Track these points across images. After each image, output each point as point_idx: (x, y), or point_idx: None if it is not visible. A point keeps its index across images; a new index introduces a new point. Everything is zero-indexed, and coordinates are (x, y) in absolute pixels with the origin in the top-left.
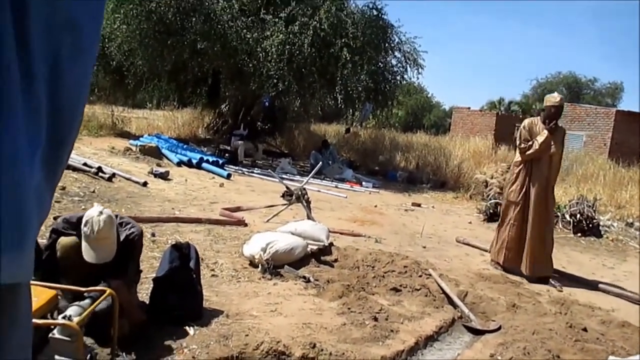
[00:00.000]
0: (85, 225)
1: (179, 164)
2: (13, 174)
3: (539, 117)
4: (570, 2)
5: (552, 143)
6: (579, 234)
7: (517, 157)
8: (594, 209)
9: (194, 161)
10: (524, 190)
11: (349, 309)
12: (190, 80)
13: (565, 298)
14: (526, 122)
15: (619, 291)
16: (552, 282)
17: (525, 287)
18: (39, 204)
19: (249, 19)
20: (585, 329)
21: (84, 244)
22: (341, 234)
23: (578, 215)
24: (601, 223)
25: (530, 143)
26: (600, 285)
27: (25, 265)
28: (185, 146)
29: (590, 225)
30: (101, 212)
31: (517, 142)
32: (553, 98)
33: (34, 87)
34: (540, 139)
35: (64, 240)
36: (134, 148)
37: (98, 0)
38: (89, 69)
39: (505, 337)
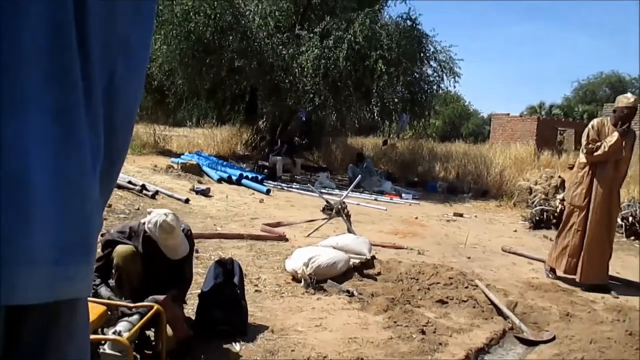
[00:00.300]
0: (158, 227)
1: (219, 180)
2: (82, 185)
3: (609, 118)
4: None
5: (623, 146)
6: (632, 238)
7: (582, 159)
8: None
9: (234, 177)
10: (589, 194)
11: (395, 322)
12: (228, 98)
13: (622, 305)
14: (595, 121)
15: None
16: (612, 292)
17: (578, 295)
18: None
19: (285, 35)
20: None
21: (162, 244)
22: (383, 246)
23: (630, 218)
24: None
25: (598, 144)
26: None
27: (88, 279)
28: (224, 163)
29: None
30: (166, 214)
31: (584, 142)
32: (626, 99)
33: (94, 104)
34: (609, 140)
35: (121, 249)
36: (175, 166)
37: (148, 23)
38: (139, 90)
39: (560, 347)
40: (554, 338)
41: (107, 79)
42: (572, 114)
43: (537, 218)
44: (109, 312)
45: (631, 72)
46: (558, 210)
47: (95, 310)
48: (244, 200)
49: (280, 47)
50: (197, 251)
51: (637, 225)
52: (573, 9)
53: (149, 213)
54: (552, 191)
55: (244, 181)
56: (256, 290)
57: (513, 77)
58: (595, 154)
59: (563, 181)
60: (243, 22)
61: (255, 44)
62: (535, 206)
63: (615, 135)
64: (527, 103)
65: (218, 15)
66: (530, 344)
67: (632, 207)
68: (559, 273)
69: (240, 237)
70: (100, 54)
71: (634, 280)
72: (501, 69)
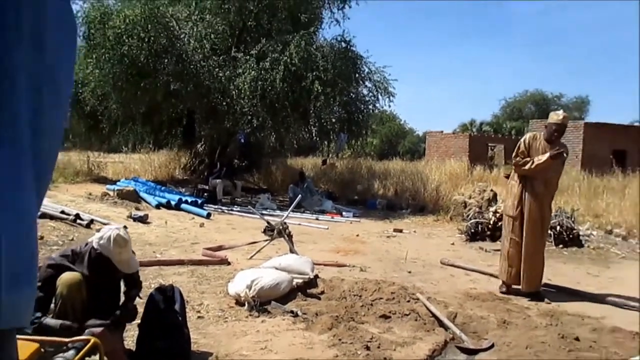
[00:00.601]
0: (112, 241)
1: (158, 206)
2: (23, 201)
3: (542, 133)
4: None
5: (550, 166)
6: (561, 246)
7: (513, 170)
8: (572, 219)
9: (173, 202)
10: (520, 204)
11: (339, 340)
12: (164, 122)
13: (554, 310)
14: (528, 135)
15: (634, 304)
16: (545, 298)
17: (513, 302)
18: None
19: (221, 57)
20: (577, 339)
21: (116, 259)
22: (325, 265)
23: (558, 227)
24: (581, 233)
25: (526, 159)
26: (608, 299)
27: (30, 306)
28: (163, 188)
29: (571, 236)
30: (117, 228)
31: (514, 154)
32: (556, 116)
33: (20, 129)
34: (538, 159)
35: (67, 277)
36: (111, 193)
37: (71, 52)
38: (63, 117)
39: (499, 354)
40: (492, 346)
41: (33, 108)
42: (501, 130)
43: (473, 230)
44: (42, 350)
45: (553, 90)
46: (491, 222)
47: (26, 348)
48: (184, 225)
49: (217, 69)
50: None
51: (565, 233)
52: (501, 30)
53: (98, 231)
54: (485, 204)
55: (183, 206)
56: (199, 317)
57: (445, 96)
58: (523, 167)
59: (495, 194)
60: (178, 45)
61: (191, 66)
62: (470, 219)
63: (545, 156)
64: (459, 121)
65: (152, 38)
66: (471, 352)
67: (560, 217)
68: (505, 281)
69: (180, 263)
70: (27, 84)
71: (565, 286)
72: (434, 89)
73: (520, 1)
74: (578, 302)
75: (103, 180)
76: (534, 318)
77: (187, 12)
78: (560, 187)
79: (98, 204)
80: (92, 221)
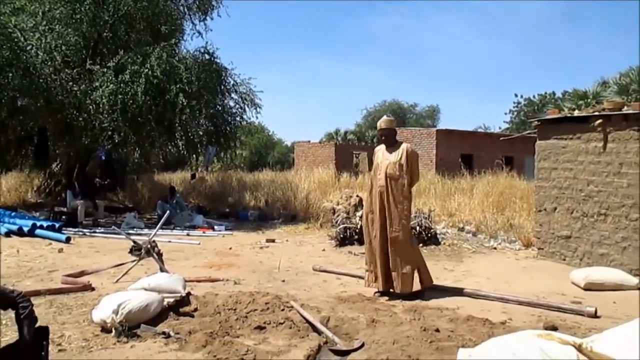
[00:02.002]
0: None
1: (8, 234)
2: None
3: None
4: (388, 37)
5: (382, 162)
6: (421, 245)
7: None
8: (430, 219)
9: (26, 229)
10: (371, 211)
11: (214, 356)
12: (12, 141)
13: (417, 305)
14: (376, 148)
15: (484, 293)
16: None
17: (380, 302)
18: None
19: (74, 70)
20: (437, 330)
21: None
22: (198, 281)
23: (417, 228)
24: (438, 231)
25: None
26: (465, 291)
27: None
28: (13, 214)
29: (429, 235)
30: None
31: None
32: (379, 122)
33: None
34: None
35: None
36: None
37: None
38: None
39: (369, 352)
40: (363, 345)
41: None
42: (364, 139)
43: (342, 236)
44: None
45: (408, 100)
46: (358, 227)
47: None
48: (40, 253)
49: (71, 83)
50: None
51: (423, 233)
52: (360, 44)
53: None
54: (352, 210)
55: (38, 231)
56: (60, 350)
57: (312, 106)
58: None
59: (361, 200)
60: (24, 57)
61: (41, 80)
62: (339, 225)
63: (377, 158)
64: (325, 130)
65: None
66: (343, 354)
67: (418, 218)
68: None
69: (37, 293)
70: None
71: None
72: (301, 100)
73: (376, 18)
74: (437, 296)
75: None
76: (400, 314)
77: (33, 22)
78: (419, 189)
79: None
80: None
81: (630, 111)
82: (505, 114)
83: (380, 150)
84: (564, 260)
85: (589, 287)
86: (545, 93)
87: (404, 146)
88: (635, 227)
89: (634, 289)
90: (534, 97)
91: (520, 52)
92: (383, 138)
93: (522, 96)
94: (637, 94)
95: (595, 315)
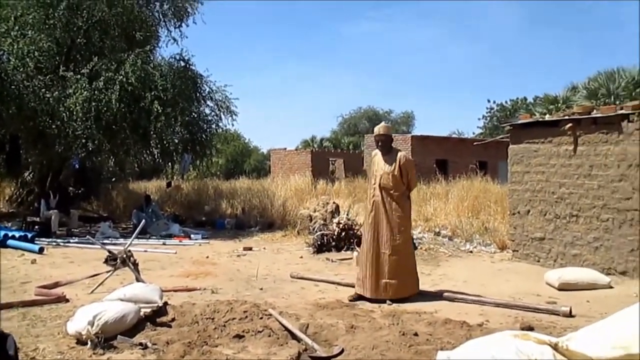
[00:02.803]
0: None
1: None
2: None
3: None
4: (361, 43)
5: (376, 171)
6: None
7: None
8: None
9: None
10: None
11: None
12: None
13: (395, 309)
14: (373, 152)
15: (461, 296)
16: (387, 301)
17: (359, 307)
18: None
19: (47, 77)
20: (416, 334)
21: None
22: (175, 291)
23: None
24: (415, 236)
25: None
26: (447, 295)
27: None
28: None
29: None
30: None
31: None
32: (377, 128)
33: None
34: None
35: None
36: None
37: None
38: None
39: (348, 358)
40: (342, 351)
41: None
42: (340, 146)
43: (319, 242)
44: None
45: (383, 106)
46: (336, 234)
47: None
48: (12, 264)
49: (44, 89)
50: None
51: None
52: (334, 50)
53: None
54: (329, 216)
55: (9, 242)
56: None
57: (288, 113)
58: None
59: (337, 206)
60: None
61: (13, 87)
62: (316, 232)
63: (375, 163)
64: (301, 137)
65: None
66: None
67: None
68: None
69: (9, 306)
70: None
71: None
72: (276, 107)
73: (348, 24)
74: (416, 300)
75: None
76: (378, 320)
77: (4, 27)
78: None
79: None
80: None
81: (599, 115)
82: (479, 119)
83: (377, 156)
84: (538, 261)
85: (563, 287)
86: (517, 98)
87: (399, 155)
88: (606, 227)
89: (606, 287)
90: (506, 102)
91: (492, 58)
92: (379, 144)
93: (494, 101)
94: (606, 98)
95: (570, 315)
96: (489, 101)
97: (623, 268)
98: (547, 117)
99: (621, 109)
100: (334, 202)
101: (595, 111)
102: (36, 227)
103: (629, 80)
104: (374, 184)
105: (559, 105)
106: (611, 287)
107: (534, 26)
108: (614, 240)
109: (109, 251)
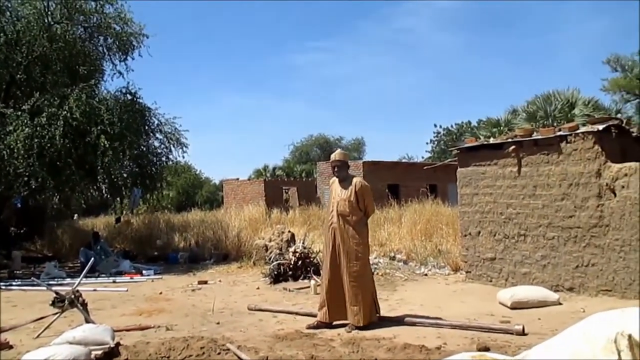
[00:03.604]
0: None
1: None
2: None
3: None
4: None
5: (334, 198)
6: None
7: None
8: None
9: None
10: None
11: None
12: None
13: (355, 337)
14: (330, 180)
15: (419, 320)
16: (346, 327)
17: (319, 336)
18: None
19: None
20: None
21: None
22: (127, 330)
23: None
24: (370, 262)
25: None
26: (406, 319)
27: None
28: None
29: None
30: None
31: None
32: (333, 155)
33: None
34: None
35: None
36: None
37: None
38: None
39: None
40: None
41: None
42: (292, 174)
43: (276, 272)
44: None
45: (334, 133)
46: (292, 262)
47: None
48: None
49: None
50: None
51: None
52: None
53: None
54: (285, 245)
55: None
56: None
57: (239, 143)
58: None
59: (293, 235)
60: None
61: None
62: (273, 262)
63: (332, 190)
64: (253, 167)
65: None
66: None
67: None
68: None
69: None
70: None
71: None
72: (227, 137)
73: (296, 54)
74: (375, 326)
75: None
76: (338, 348)
77: None
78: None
79: None
80: None
81: (540, 137)
82: (427, 143)
83: (335, 183)
84: (491, 281)
85: (515, 306)
86: (462, 122)
87: (354, 181)
88: (552, 245)
89: (555, 304)
90: (452, 126)
91: (437, 84)
92: (335, 170)
93: (441, 126)
94: (544, 119)
95: (523, 333)
96: (435, 126)
97: (570, 284)
98: (492, 140)
99: (559, 130)
100: (289, 231)
101: (535, 133)
102: None
103: (564, 103)
104: (332, 210)
105: (502, 128)
106: (560, 304)
107: (474, 52)
108: (560, 257)
109: (56, 292)
